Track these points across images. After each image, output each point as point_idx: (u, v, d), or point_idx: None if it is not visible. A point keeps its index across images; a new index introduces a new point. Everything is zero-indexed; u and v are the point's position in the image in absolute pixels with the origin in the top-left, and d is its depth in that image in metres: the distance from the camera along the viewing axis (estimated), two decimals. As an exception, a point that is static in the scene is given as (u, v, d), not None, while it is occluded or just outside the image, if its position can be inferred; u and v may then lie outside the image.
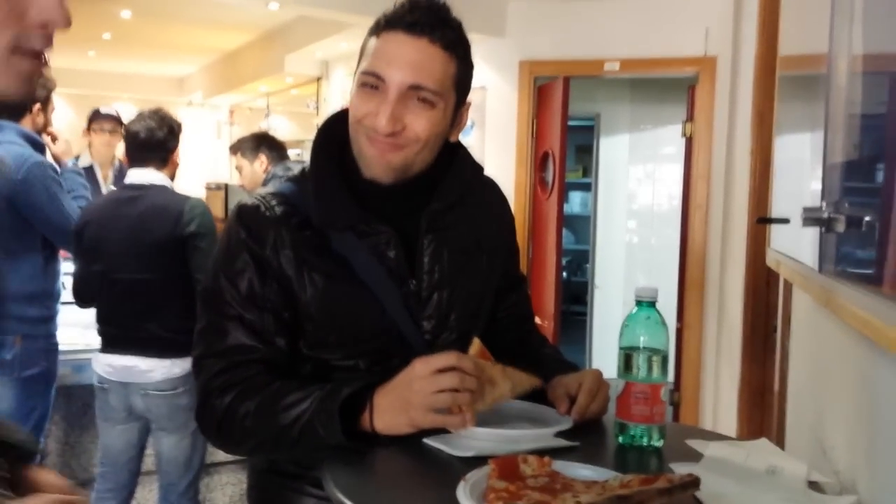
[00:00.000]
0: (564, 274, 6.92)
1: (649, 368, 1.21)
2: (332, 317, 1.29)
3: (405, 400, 1.17)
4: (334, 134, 1.33)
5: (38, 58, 0.83)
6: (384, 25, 1.26)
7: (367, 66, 1.26)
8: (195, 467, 2.89)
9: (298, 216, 1.30)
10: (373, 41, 1.27)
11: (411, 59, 1.23)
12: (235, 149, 4.09)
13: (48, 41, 0.83)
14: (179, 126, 2.90)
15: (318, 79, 6.97)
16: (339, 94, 6.52)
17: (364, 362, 1.31)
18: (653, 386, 1.20)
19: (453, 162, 1.38)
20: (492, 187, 1.52)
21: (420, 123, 1.25)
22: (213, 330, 1.29)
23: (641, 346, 1.21)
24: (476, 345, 1.25)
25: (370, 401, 1.19)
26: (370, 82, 1.25)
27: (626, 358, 1.22)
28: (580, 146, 7.24)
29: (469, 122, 1.73)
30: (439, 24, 1.24)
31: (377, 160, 1.27)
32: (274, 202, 1.31)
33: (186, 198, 2.80)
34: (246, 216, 1.30)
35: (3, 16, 0.79)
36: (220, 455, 3.29)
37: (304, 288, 1.28)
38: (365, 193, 1.30)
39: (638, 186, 6.51)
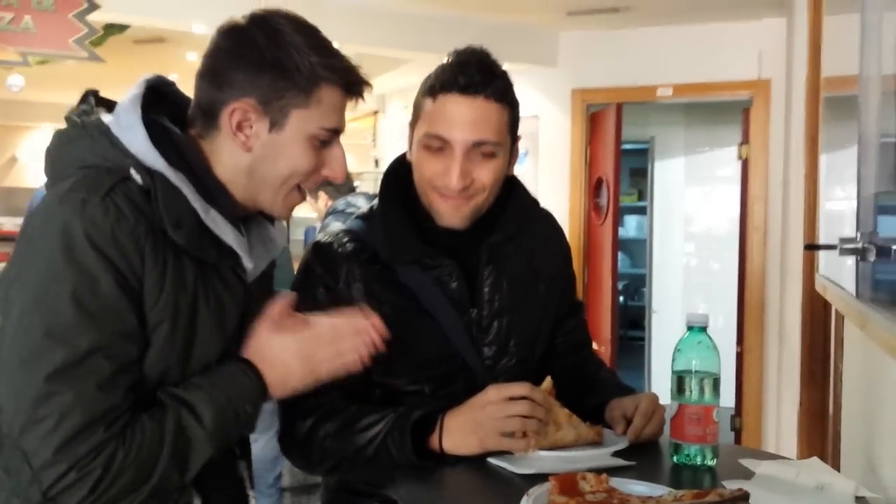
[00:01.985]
0: (621, 298, 6.91)
1: (701, 391, 1.27)
2: (398, 345, 1.36)
3: (476, 422, 1.26)
4: (398, 176, 1.45)
5: (303, 194, 1.18)
6: (439, 89, 1.35)
7: (429, 130, 1.35)
8: (279, 466, 3.07)
9: (367, 251, 1.41)
10: (429, 103, 1.36)
11: (471, 118, 1.33)
12: None
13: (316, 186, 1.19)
14: None
15: (375, 112, 7.14)
16: (395, 126, 6.67)
17: (429, 387, 1.40)
18: (705, 408, 1.26)
19: (511, 196, 1.47)
20: (548, 219, 1.61)
21: (486, 174, 1.36)
22: None
23: (694, 369, 1.27)
24: (547, 382, 1.33)
25: (440, 422, 1.28)
26: (434, 145, 1.35)
27: (679, 381, 1.28)
28: (634, 169, 7.25)
29: (522, 150, 1.84)
30: (489, 79, 1.34)
31: (451, 213, 1.38)
32: (345, 239, 1.43)
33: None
34: (321, 253, 1.42)
35: (310, 169, 1.15)
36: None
37: None
38: (428, 230, 1.41)
39: (695, 209, 6.48)
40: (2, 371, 1.03)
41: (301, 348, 1.15)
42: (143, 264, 1.04)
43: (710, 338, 1.28)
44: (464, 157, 1.34)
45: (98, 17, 3.90)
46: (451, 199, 1.37)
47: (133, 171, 1.07)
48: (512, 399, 1.26)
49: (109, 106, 1.17)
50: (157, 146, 1.09)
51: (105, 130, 1.10)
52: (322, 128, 1.15)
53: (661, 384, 6.20)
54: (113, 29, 4.47)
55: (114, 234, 1.01)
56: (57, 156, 1.13)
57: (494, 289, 1.44)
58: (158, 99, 1.17)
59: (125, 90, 1.15)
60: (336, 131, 1.18)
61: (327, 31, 1.18)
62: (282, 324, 1.16)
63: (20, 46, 3.66)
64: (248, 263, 1.17)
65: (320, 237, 1.46)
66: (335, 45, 1.18)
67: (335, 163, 1.18)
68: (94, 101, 1.17)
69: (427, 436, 1.28)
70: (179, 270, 1.08)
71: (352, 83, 1.17)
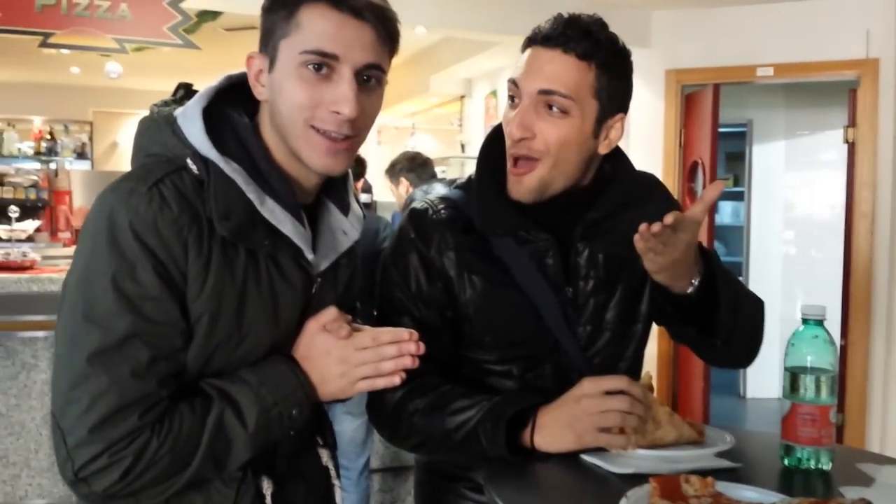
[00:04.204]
0: (715, 287, 6.68)
1: (817, 389, 1.17)
2: (488, 318, 1.34)
3: (571, 416, 1.19)
4: (497, 144, 1.38)
5: (326, 136, 1.08)
6: (526, 41, 1.32)
7: (509, 77, 1.32)
8: (369, 448, 3.12)
9: (462, 220, 1.36)
10: (520, 57, 1.33)
11: (543, 68, 1.27)
12: (387, 173, 4.27)
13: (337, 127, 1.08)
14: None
15: (462, 97, 7.09)
16: (481, 110, 6.61)
17: (517, 367, 1.35)
18: (821, 407, 1.17)
19: (615, 171, 1.39)
20: (653, 185, 1.50)
21: (552, 132, 1.27)
22: (383, 323, 1.35)
23: (809, 366, 1.17)
24: (646, 377, 1.26)
25: (533, 418, 1.22)
26: (511, 92, 1.32)
27: (793, 378, 1.18)
28: (730, 154, 6.99)
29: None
30: (576, 35, 1.27)
31: (514, 183, 1.32)
32: (441, 206, 1.38)
33: (380, 217, 3.12)
34: (415, 218, 1.38)
35: (307, 102, 1.06)
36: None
37: (463, 289, 1.34)
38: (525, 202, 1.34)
39: (795, 195, 6.20)
40: (54, 353, 1.04)
41: (340, 352, 1.11)
42: (187, 255, 1.02)
43: (827, 332, 1.18)
44: (529, 106, 1.28)
45: (192, 5, 3.97)
46: (516, 167, 1.31)
47: (190, 161, 1.06)
48: (609, 393, 1.19)
49: None
50: (216, 136, 1.07)
51: (171, 121, 1.09)
52: (304, 51, 1.04)
53: (757, 377, 5.98)
54: (206, 16, 4.54)
55: (156, 224, 1.00)
56: (133, 144, 1.14)
57: (590, 266, 1.37)
58: (248, 93, 1.14)
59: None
60: (326, 55, 1.04)
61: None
62: (329, 326, 1.13)
63: (117, 34, 3.77)
64: (308, 254, 1.13)
65: (416, 203, 1.42)
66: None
67: (337, 94, 1.05)
68: (185, 93, 1.16)
69: (519, 429, 1.22)
70: (226, 261, 1.05)
71: None
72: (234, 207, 1.05)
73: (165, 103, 1.15)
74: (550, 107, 1.27)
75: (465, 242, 1.35)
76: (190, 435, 1.02)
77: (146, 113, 1.15)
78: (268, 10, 1.08)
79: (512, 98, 1.32)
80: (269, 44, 1.08)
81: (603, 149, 1.35)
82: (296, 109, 1.07)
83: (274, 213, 1.08)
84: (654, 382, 1.28)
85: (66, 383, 1.00)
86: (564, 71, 1.26)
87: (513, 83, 1.30)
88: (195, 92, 1.16)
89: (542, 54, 1.28)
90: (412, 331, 1.12)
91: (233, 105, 1.13)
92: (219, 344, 1.06)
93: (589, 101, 1.29)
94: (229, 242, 1.05)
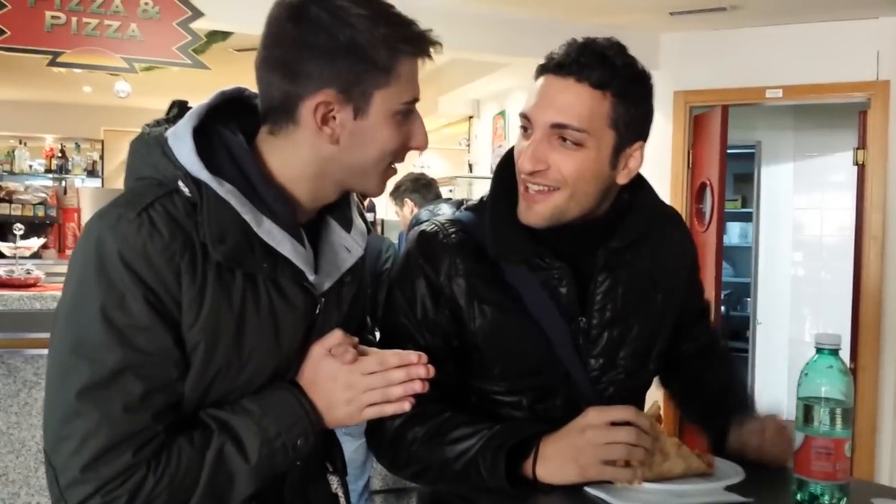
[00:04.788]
0: (723, 308, 6.64)
1: (832, 421, 1.13)
2: (498, 348, 1.30)
3: (575, 447, 1.16)
4: (511, 167, 1.33)
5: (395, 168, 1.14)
6: (539, 69, 1.28)
7: (521, 109, 1.29)
8: (369, 470, 3.08)
9: (474, 245, 1.32)
10: (533, 84, 1.29)
11: (554, 98, 1.23)
12: (391, 195, 4.25)
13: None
14: None
15: (470, 117, 7.09)
16: (489, 131, 6.61)
17: (527, 399, 1.32)
18: (836, 441, 1.13)
19: (634, 201, 1.36)
20: (674, 221, 1.49)
21: (566, 164, 1.24)
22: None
23: (823, 396, 1.14)
24: (654, 407, 1.23)
25: (535, 448, 1.19)
26: (522, 124, 1.28)
27: (806, 410, 1.15)
28: (738, 175, 6.94)
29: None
30: (590, 62, 1.22)
31: (525, 209, 1.29)
32: (452, 230, 1.34)
33: (384, 238, 3.07)
34: (424, 242, 1.34)
35: (399, 146, 1.10)
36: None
37: (473, 318, 1.30)
38: (540, 228, 1.30)
39: (804, 216, 6.17)
40: (46, 382, 1.01)
41: (346, 378, 1.08)
42: (180, 283, 0.98)
43: (842, 361, 1.15)
44: (542, 138, 1.24)
45: (202, 25, 3.99)
46: (527, 194, 1.27)
47: (181, 184, 1.02)
48: (615, 424, 1.15)
49: None
50: (209, 156, 1.04)
51: (162, 141, 1.05)
52: (404, 102, 1.08)
53: (767, 399, 5.90)
54: (216, 36, 4.56)
55: (145, 251, 0.97)
56: (125, 167, 1.11)
57: (607, 297, 1.32)
58: (242, 110, 1.11)
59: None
60: (415, 101, 1.10)
61: None
62: (334, 351, 1.10)
63: (126, 53, 3.77)
64: (310, 275, 1.10)
65: (425, 225, 1.37)
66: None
67: (418, 132, 1.12)
68: (178, 111, 1.12)
69: (521, 459, 1.19)
70: (223, 287, 1.02)
71: (424, 48, 1.08)
72: (229, 230, 1.01)
73: (158, 123, 1.11)
74: (564, 139, 1.23)
75: (475, 269, 1.31)
76: (188, 470, 0.98)
77: None
78: (357, 59, 1.02)
79: (524, 128, 1.28)
80: (355, 91, 1.04)
81: (622, 178, 1.31)
82: (388, 154, 1.09)
83: (272, 234, 1.04)
84: (662, 412, 1.25)
85: (57, 420, 0.96)
86: (577, 101, 1.22)
87: (524, 116, 1.27)
88: (189, 109, 1.13)
89: (554, 83, 1.24)
90: (421, 353, 1.09)
91: (226, 123, 1.09)
92: (218, 372, 1.03)
93: (605, 131, 1.24)
94: (225, 267, 1.02)
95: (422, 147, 1.13)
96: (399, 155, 1.12)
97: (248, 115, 1.11)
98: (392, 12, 1.06)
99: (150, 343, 0.97)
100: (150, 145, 1.06)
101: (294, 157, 1.08)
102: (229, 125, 1.09)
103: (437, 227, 1.35)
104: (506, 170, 1.35)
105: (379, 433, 1.30)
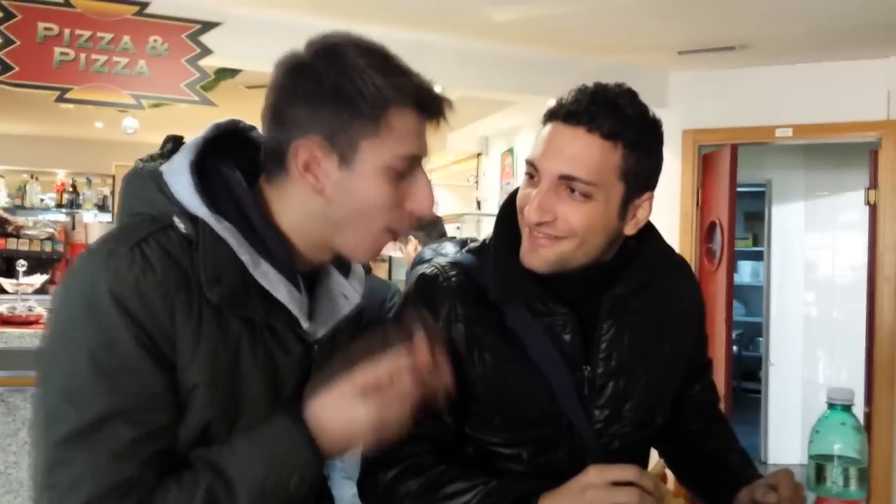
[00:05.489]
0: (735, 348, 6.55)
1: (845, 481, 1.08)
2: (498, 398, 1.25)
3: None
4: (515, 209, 1.30)
5: (393, 235, 1.05)
6: (549, 115, 1.24)
7: (528, 156, 1.25)
8: None
9: (475, 289, 1.28)
10: (541, 130, 1.25)
11: (563, 148, 1.19)
12: None
13: (410, 226, 1.05)
14: None
15: (478, 154, 7.10)
16: (497, 168, 6.60)
17: (527, 451, 1.26)
18: (849, 503, 1.08)
19: (641, 247, 1.32)
20: (682, 270, 1.44)
21: (574, 216, 1.20)
22: None
23: (836, 454, 1.09)
24: (658, 466, 1.18)
25: None
26: (528, 171, 1.24)
27: (819, 469, 1.10)
28: (749, 213, 6.93)
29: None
30: (602, 112, 1.18)
31: (528, 252, 1.24)
32: (452, 273, 1.30)
33: (389, 284, 3.01)
34: (423, 285, 1.30)
35: (390, 204, 1.01)
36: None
37: (472, 366, 1.25)
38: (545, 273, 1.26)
39: (816, 255, 6.10)
40: (33, 428, 0.96)
41: (361, 390, 0.99)
42: (174, 321, 0.93)
43: (855, 418, 1.10)
44: (549, 189, 1.20)
45: (210, 63, 4.00)
46: (532, 236, 1.23)
47: (176, 219, 0.98)
48: (617, 484, 1.09)
49: None
50: (206, 192, 0.99)
51: (156, 176, 1.01)
52: (397, 156, 1.00)
53: (779, 443, 5.82)
54: (224, 73, 4.58)
55: (138, 288, 0.92)
56: (119, 202, 1.07)
57: (613, 345, 1.28)
58: (240, 144, 1.08)
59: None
60: (416, 158, 1.03)
61: (429, 73, 1.05)
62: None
63: (134, 90, 3.79)
64: (304, 323, 1.04)
65: (425, 267, 1.33)
66: (436, 88, 1.06)
67: (419, 194, 1.04)
68: (173, 146, 1.08)
69: None
70: (220, 326, 0.97)
71: (425, 102, 1.02)
72: (226, 270, 0.96)
73: (152, 157, 1.07)
74: (572, 190, 1.19)
75: (475, 314, 1.26)
76: None
77: None
78: (343, 105, 0.98)
79: (531, 175, 1.24)
80: (339, 139, 0.99)
81: (630, 229, 1.27)
82: (376, 212, 1.02)
83: (268, 277, 0.99)
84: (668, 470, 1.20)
85: (43, 468, 0.92)
86: (587, 152, 1.18)
87: (531, 164, 1.23)
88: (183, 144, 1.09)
89: (564, 132, 1.20)
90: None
91: (222, 157, 1.05)
92: (215, 417, 0.97)
93: (614, 183, 1.20)
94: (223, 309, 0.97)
95: (423, 211, 1.05)
96: (395, 218, 1.04)
97: (243, 150, 1.08)
98: (395, 63, 1.02)
99: (141, 387, 0.92)
100: (144, 180, 1.02)
101: (287, 208, 1.04)
102: (226, 161, 1.05)
103: (437, 269, 1.31)
104: (509, 212, 1.31)
105: (371, 487, 1.25)
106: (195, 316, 0.95)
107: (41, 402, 0.95)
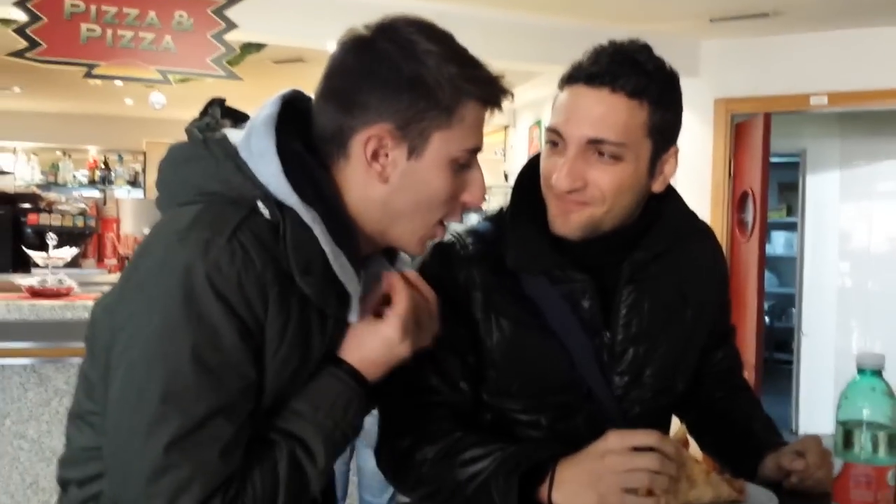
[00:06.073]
0: (767, 319, 6.48)
1: (874, 447, 1.06)
2: (516, 365, 1.25)
3: (594, 473, 1.08)
4: (534, 176, 1.28)
5: (444, 228, 1.07)
6: (567, 79, 1.21)
7: (549, 123, 1.22)
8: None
9: (492, 256, 1.26)
10: (559, 95, 1.23)
11: (590, 111, 1.17)
12: None
13: (459, 219, 1.06)
14: None
15: (506, 127, 7.04)
16: (525, 140, 6.56)
17: (546, 418, 1.25)
18: (877, 468, 1.05)
19: (663, 210, 1.29)
20: (705, 235, 1.41)
21: (605, 180, 1.18)
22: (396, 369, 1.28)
23: (865, 420, 1.07)
24: (680, 431, 1.16)
25: (552, 471, 1.12)
26: (552, 139, 1.22)
27: (846, 434, 1.07)
28: (783, 184, 6.80)
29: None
30: (624, 70, 1.16)
31: (560, 218, 1.22)
32: (469, 241, 1.29)
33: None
34: (440, 253, 1.28)
35: (450, 196, 1.03)
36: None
37: (490, 333, 1.24)
38: (563, 239, 1.24)
39: (851, 226, 5.99)
40: (111, 434, 0.92)
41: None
42: (267, 313, 0.93)
43: (886, 383, 1.07)
44: (577, 155, 1.17)
45: (236, 37, 4.00)
46: (561, 200, 1.20)
47: (260, 204, 0.94)
48: (637, 449, 1.08)
49: (236, 118, 1.05)
50: (289, 177, 0.96)
51: (232, 153, 0.97)
52: (464, 149, 1.01)
53: (811, 414, 5.76)
54: (250, 48, 4.58)
55: (240, 282, 0.90)
56: (171, 174, 1.02)
57: (633, 311, 1.26)
58: (293, 117, 1.03)
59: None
60: (476, 150, 1.04)
61: None
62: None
63: (161, 65, 3.80)
64: (353, 317, 1.03)
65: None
66: None
67: (474, 186, 1.05)
68: (220, 111, 1.05)
69: (536, 483, 1.12)
70: (304, 322, 0.96)
71: (494, 96, 1.03)
72: (314, 262, 0.95)
73: (207, 126, 1.02)
74: (601, 153, 1.17)
75: (493, 281, 1.25)
76: (265, 490, 0.93)
77: None
78: (420, 95, 0.97)
79: (554, 143, 1.21)
80: (412, 129, 0.98)
81: (658, 186, 1.25)
82: (437, 203, 1.02)
83: (344, 271, 0.98)
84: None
85: (140, 477, 0.88)
86: (614, 114, 1.16)
87: (554, 132, 1.20)
88: (233, 111, 1.06)
89: (587, 95, 1.17)
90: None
91: (289, 135, 0.99)
92: (277, 398, 0.99)
93: (642, 141, 1.19)
94: (307, 301, 0.96)
95: (475, 203, 1.06)
96: (450, 210, 1.05)
97: (304, 124, 1.04)
98: (464, 53, 1.02)
99: (241, 380, 0.92)
100: (217, 158, 0.97)
101: (348, 193, 1.02)
102: (293, 138, 1.00)
103: (453, 238, 1.29)
104: (527, 179, 1.30)
105: (388, 454, 1.25)
106: (285, 311, 0.95)
107: (132, 409, 0.90)
